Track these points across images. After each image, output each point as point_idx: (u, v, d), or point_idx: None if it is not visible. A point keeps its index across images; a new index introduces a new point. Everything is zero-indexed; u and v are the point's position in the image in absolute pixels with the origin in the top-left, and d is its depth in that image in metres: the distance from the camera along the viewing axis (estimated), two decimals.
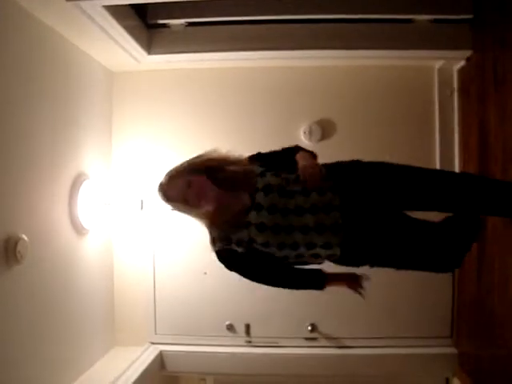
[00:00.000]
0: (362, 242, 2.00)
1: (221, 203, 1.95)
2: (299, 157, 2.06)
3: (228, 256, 2.00)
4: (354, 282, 2.10)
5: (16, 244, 2.32)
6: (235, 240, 1.95)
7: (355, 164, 2.16)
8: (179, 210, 2.00)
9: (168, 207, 2.00)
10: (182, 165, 1.97)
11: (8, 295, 2.33)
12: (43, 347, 2.65)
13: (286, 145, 3.71)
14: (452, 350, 3.56)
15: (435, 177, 2.15)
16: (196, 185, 1.91)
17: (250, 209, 1.92)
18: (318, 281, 2.05)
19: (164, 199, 1.95)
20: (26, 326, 2.48)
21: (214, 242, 2.00)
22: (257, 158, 2.10)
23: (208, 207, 1.94)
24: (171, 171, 1.97)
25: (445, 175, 2.22)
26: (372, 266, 2.10)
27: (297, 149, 2.14)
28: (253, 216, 1.91)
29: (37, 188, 2.63)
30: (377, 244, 2.03)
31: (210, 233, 2.01)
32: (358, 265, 2.09)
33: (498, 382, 2.95)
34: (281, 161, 2.09)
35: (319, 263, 2.07)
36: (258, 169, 2.02)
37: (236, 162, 2.01)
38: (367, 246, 2.03)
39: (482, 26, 3.16)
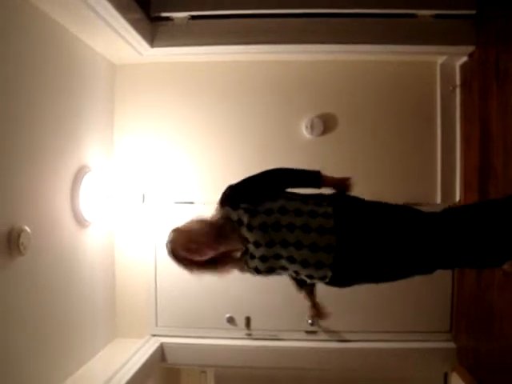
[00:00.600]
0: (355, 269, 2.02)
1: (221, 250, 2.06)
2: (330, 178, 2.13)
3: None
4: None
5: (19, 235, 2.34)
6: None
7: (357, 201, 2.12)
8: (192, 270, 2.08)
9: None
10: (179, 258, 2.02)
11: (11, 286, 2.35)
12: (45, 338, 2.67)
13: (287, 139, 3.73)
14: (451, 345, 3.58)
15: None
16: (195, 249, 1.99)
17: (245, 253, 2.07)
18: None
19: (177, 263, 2.06)
20: (28, 317, 2.50)
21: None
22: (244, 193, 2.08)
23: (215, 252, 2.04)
24: (170, 243, 2.02)
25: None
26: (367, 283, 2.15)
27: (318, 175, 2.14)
28: (249, 261, 2.07)
29: (39, 180, 2.64)
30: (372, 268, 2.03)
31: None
32: (350, 285, 2.12)
33: (497, 377, 2.97)
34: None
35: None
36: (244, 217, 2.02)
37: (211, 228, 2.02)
38: (360, 270, 2.04)
39: (484, 21, 3.16)
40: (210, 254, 2.00)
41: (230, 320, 3.68)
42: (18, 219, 2.39)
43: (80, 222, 3.10)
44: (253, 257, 2.05)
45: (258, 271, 2.07)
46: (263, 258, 2.03)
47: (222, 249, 2.03)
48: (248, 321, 3.68)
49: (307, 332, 3.67)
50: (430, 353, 3.59)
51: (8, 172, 2.34)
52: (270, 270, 2.07)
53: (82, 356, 3.16)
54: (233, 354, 3.63)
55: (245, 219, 2.01)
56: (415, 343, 3.60)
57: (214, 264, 2.04)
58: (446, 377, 3.74)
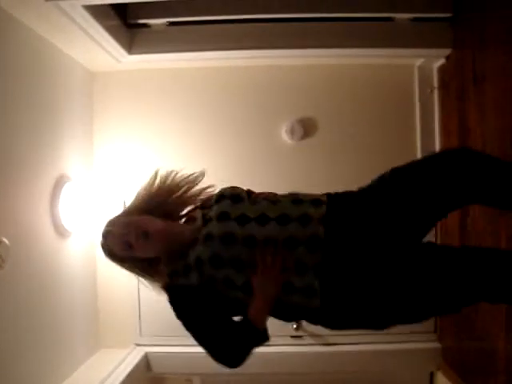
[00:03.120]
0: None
1: (170, 234, 1.69)
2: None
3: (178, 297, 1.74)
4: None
5: None
6: (185, 265, 1.66)
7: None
8: (133, 268, 1.79)
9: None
10: (116, 216, 1.77)
11: None
12: (27, 352, 2.62)
13: (267, 144, 3.70)
14: (436, 345, 3.60)
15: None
16: (134, 223, 1.66)
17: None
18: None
19: (111, 258, 1.75)
20: (8, 331, 2.45)
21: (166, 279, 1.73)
22: None
23: (157, 244, 1.67)
24: (106, 224, 1.74)
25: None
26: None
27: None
28: (202, 231, 1.66)
29: (17, 191, 2.59)
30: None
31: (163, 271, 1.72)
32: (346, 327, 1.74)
33: (482, 375, 2.99)
34: None
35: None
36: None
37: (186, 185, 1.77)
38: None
39: (461, 24, 3.20)
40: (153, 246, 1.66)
41: None
42: None
43: (60, 232, 3.05)
44: (210, 220, 1.64)
45: (208, 237, 1.59)
46: (222, 216, 1.62)
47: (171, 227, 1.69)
48: None
49: (292, 337, 3.66)
50: (415, 353, 3.60)
51: None
52: (226, 239, 1.58)
53: (65, 369, 3.10)
54: None
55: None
56: (400, 344, 3.61)
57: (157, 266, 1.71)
58: (431, 376, 3.76)
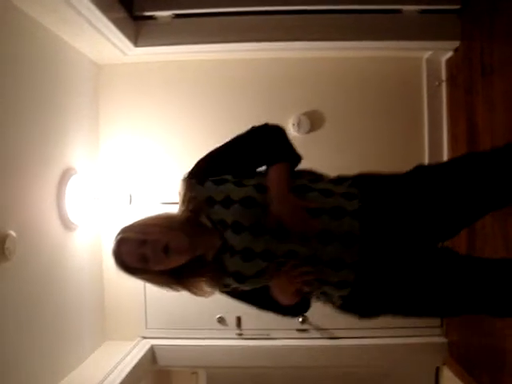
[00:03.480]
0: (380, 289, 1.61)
1: (192, 248, 1.54)
2: (272, 179, 1.60)
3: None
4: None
5: (4, 240, 2.29)
6: (224, 284, 1.62)
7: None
8: (146, 280, 1.67)
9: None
10: (131, 224, 1.59)
11: None
12: (33, 344, 2.63)
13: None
14: (442, 340, 3.59)
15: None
16: (152, 238, 1.49)
17: (222, 250, 1.56)
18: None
19: (122, 268, 1.58)
20: (15, 323, 2.46)
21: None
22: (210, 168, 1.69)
23: (176, 259, 1.53)
24: (120, 231, 1.57)
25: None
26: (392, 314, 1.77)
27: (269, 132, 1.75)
28: (227, 261, 1.56)
29: (24, 183, 2.59)
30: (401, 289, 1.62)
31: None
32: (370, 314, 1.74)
33: (488, 370, 2.98)
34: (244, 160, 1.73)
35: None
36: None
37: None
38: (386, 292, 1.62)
39: (469, 16, 3.17)
40: (176, 262, 1.54)
41: (221, 320, 3.66)
42: (3, 224, 2.34)
43: (66, 225, 3.05)
44: (233, 253, 1.51)
45: (240, 278, 1.54)
46: (247, 254, 1.50)
47: (194, 253, 1.55)
48: (239, 320, 3.66)
49: (298, 330, 3.66)
50: (421, 348, 3.60)
51: None
52: (258, 275, 1.53)
53: (71, 361, 3.12)
54: (224, 355, 3.61)
55: (219, 194, 1.54)
56: (406, 339, 3.60)
57: (178, 277, 1.60)
58: (437, 371, 3.75)
